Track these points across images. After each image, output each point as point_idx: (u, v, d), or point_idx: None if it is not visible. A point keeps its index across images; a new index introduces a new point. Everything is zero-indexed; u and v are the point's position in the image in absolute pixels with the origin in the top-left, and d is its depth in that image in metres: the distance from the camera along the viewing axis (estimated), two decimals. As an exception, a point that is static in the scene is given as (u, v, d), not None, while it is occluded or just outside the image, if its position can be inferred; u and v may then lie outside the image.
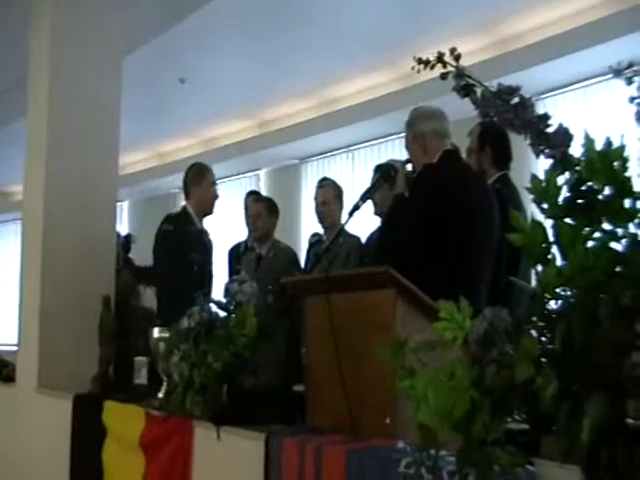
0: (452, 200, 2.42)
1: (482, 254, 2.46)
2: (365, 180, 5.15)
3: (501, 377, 1.38)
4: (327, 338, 2.12)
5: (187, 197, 3.83)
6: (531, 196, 1.40)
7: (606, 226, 1.33)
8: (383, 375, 1.94)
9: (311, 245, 4.13)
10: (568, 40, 5.39)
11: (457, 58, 1.45)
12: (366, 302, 2.03)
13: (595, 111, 5.31)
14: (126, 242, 4.08)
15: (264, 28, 6.18)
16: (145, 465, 2.55)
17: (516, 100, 1.40)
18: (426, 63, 1.48)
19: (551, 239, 1.38)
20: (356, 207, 2.43)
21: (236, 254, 4.44)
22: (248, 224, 4.48)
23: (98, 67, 3.97)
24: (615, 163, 1.36)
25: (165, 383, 2.57)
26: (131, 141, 5.30)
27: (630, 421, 1.17)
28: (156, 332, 2.60)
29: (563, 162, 1.35)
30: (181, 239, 3.65)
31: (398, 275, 1.90)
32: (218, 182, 8.94)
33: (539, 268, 1.37)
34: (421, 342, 1.62)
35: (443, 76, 1.46)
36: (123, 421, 2.74)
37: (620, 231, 1.32)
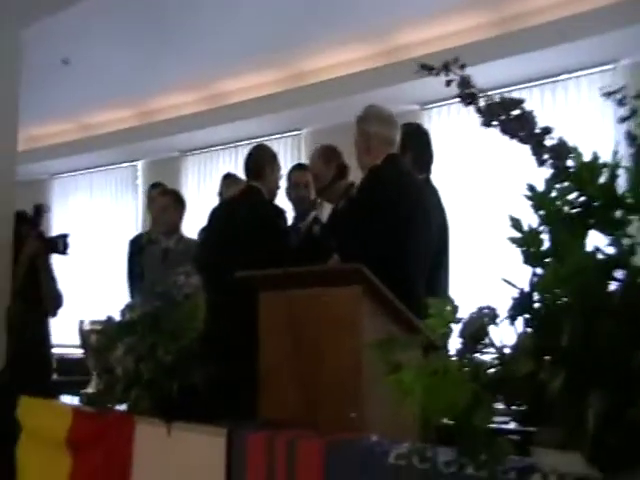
0: (393, 203, 2.52)
1: (422, 252, 2.58)
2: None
3: (500, 371, 1.47)
4: (283, 333, 2.13)
5: (257, 178, 3.50)
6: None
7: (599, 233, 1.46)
8: (347, 370, 1.99)
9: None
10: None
11: (462, 67, 1.52)
12: (329, 298, 2.05)
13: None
14: (37, 213, 3.84)
15: (154, 16, 6.01)
16: (72, 464, 2.43)
17: (518, 112, 1.49)
18: (430, 69, 1.54)
19: (546, 244, 1.49)
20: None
21: (138, 246, 4.31)
22: (153, 217, 4.36)
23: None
24: (602, 176, 1.48)
25: (96, 377, 2.47)
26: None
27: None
28: (87, 324, 2.49)
29: (564, 173, 1.46)
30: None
31: (368, 273, 1.95)
32: (92, 171, 8.68)
33: (537, 270, 1.48)
34: (406, 339, 1.69)
35: (448, 83, 1.52)
36: (44, 418, 2.60)
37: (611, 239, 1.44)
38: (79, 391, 2.71)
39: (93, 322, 2.49)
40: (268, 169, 3.46)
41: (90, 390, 2.48)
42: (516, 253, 1.52)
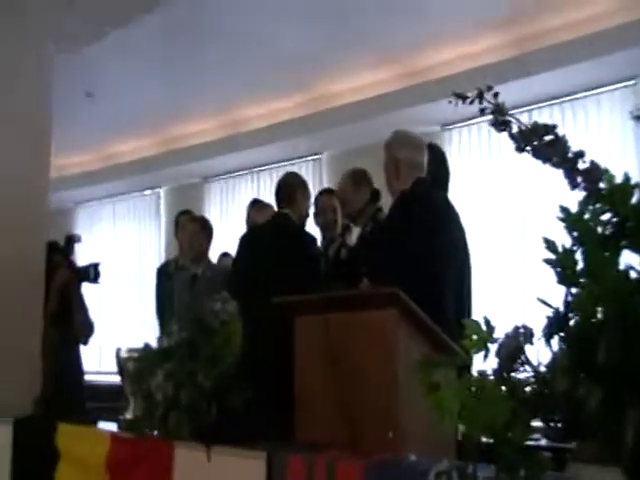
0: (424, 228, 2.56)
1: (452, 274, 2.62)
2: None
3: (537, 389, 1.50)
4: (319, 356, 2.18)
5: (287, 204, 3.55)
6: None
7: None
8: (384, 391, 2.03)
9: None
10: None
11: (496, 95, 1.56)
12: (366, 321, 2.09)
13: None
14: (68, 242, 3.94)
15: (174, 47, 6.12)
16: (111, 489, 2.47)
17: (551, 137, 1.53)
18: (464, 98, 1.58)
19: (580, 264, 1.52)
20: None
21: (166, 273, 4.37)
22: (181, 244, 4.42)
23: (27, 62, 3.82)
24: (634, 197, 1.52)
25: (133, 403, 2.51)
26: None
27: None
28: (124, 352, 2.55)
29: (597, 195, 1.49)
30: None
31: (404, 296, 1.99)
32: (115, 199, 8.80)
33: (572, 290, 1.51)
34: (443, 360, 1.72)
35: (482, 111, 1.56)
36: (83, 444, 2.64)
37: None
38: (110, 417, 2.76)
39: (130, 350, 2.54)
40: (299, 195, 3.52)
41: (128, 416, 2.52)
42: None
